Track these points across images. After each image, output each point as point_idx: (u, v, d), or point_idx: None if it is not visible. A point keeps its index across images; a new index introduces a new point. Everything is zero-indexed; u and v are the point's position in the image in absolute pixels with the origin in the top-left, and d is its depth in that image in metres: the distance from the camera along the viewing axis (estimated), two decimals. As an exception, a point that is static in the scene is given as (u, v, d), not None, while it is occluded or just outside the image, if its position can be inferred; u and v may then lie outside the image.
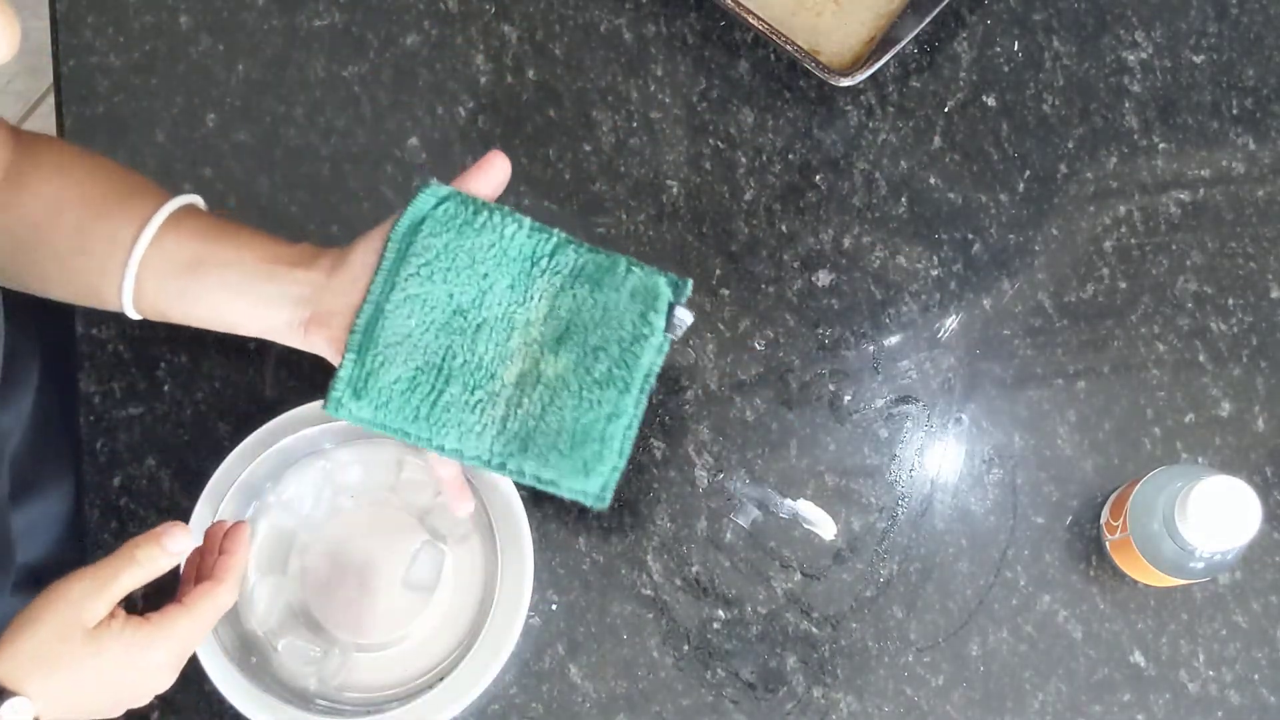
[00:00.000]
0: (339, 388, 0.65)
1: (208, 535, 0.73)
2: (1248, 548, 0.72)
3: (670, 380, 0.85)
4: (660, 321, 0.66)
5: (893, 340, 0.86)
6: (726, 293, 0.86)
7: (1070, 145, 0.88)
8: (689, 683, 0.81)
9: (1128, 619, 0.81)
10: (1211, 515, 0.70)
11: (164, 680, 0.67)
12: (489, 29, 0.91)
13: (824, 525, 0.83)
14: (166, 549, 0.64)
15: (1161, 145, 0.88)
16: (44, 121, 1.79)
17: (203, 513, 0.80)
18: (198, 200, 0.73)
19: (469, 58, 0.91)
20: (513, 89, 0.90)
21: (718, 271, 0.87)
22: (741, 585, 0.82)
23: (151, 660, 0.65)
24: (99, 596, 0.62)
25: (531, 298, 0.67)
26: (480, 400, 0.65)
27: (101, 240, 0.69)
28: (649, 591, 0.82)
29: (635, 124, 0.89)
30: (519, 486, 0.78)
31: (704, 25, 0.90)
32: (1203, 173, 0.87)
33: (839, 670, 0.81)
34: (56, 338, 0.85)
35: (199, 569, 0.71)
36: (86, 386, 0.86)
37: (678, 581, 0.82)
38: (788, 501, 0.83)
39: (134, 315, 0.71)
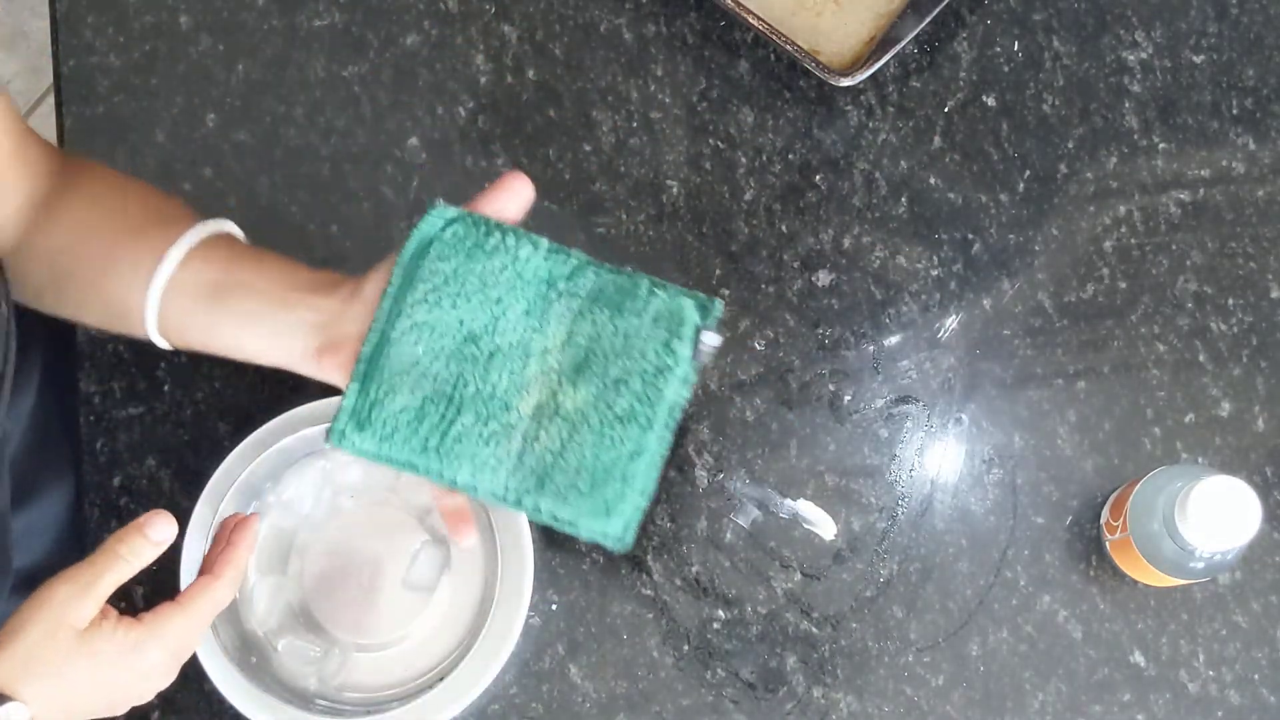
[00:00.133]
0: (341, 418, 0.62)
1: (222, 527, 0.72)
2: (1248, 548, 0.72)
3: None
4: (685, 351, 0.61)
5: (893, 340, 0.86)
6: (726, 293, 0.86)
7: (1070, 145, 0.88)
8: (689, 683, 0.81)
9: (1128, 619, 0.81)
10: (1211, 515, 0.70)
11: (162, 680, 0.66)
12: (489, 29, 0.91)
13: (824, 525, 0.83)
14: (150, 538, 0.63)
15: (1161, 145, 0.88)
16: (44, 121, 1.79)
17: (203, 513, 0.80)
18: (233, 228, 0.72)
19: (469, 58, 0.91)
20: (513, 89, 0.90)
21: (718, 271, 0.87)
22: (741, 585, 0.82)
23: (146, 660, 0.64)
24: (86, 596, 0.61)
25: (548, 323, 0.63)
26: (494, 432, 0.62)
27: (129, 263, 0.68)
28: (649, 591, 0.82)
29: (635, 124, 0.89)
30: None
31: (704, 25, 0.90)
32: (1203, 173, 0.87)
33: (839, 670, 0.81)
34: (58, 338, 0.85)
35: (204, 565, 0.70)
36: (86, 386, 0.86)
37: (678, 581, 0.82)
38: (788, 501, 0.83)
39: (161, 343, 0.69)
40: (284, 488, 0.82)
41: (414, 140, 0.89)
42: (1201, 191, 0.87)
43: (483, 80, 0.90)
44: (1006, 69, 0.89)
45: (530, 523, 0.79)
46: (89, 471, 0.85)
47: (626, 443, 0.61)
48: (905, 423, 0.84)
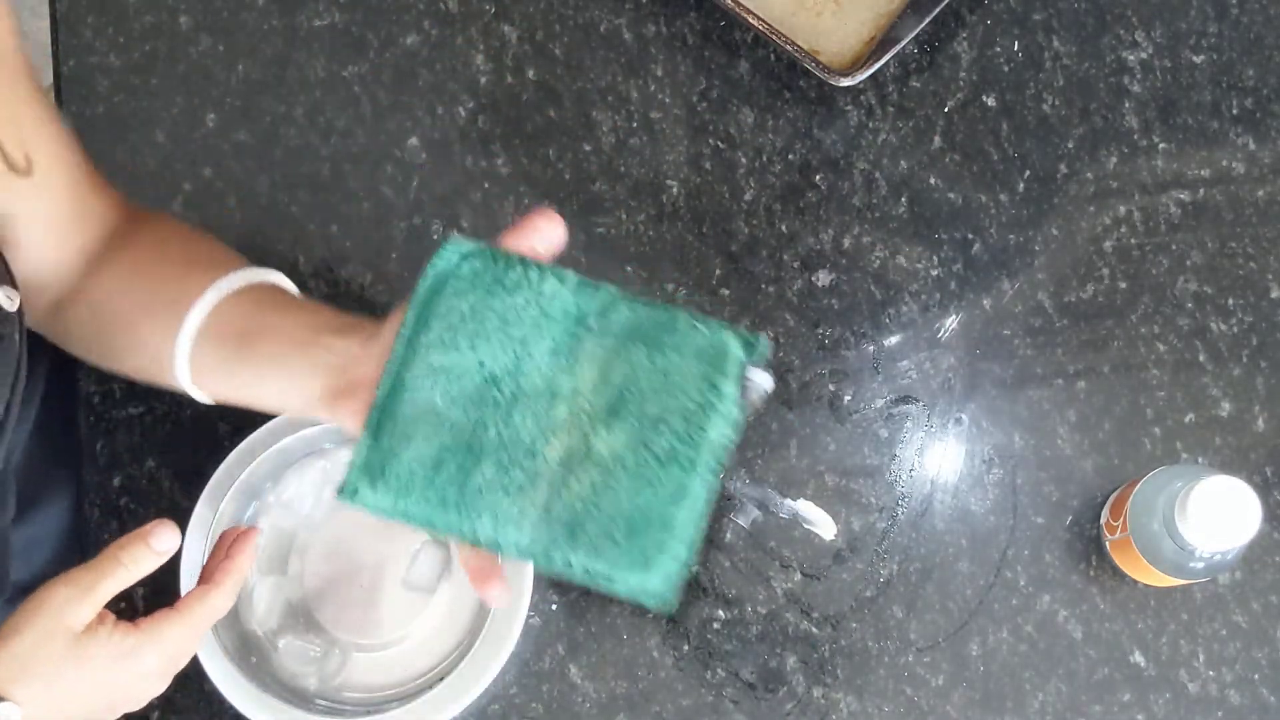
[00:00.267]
0: (353, 473, 0.58)
1: (222, 537, 0.71)
2: (1248, 548, 0.72)
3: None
4: (730, 387, 0.56)
5: (893, 340, 0.86)
6: (726, 293, 0.86)
7: (1070, 145, 0.88)
8: (689, 683, 0.81)
9: (1128, 619, 0.81)
10: (1211, 515, 0.70)
11: (156, 685, 0.66)
12: (489, 29, 0.91)
13: (824, 525, 0.83)
14: (153, 548, 0.63)
15: (1161, 145, 0.88)
16: (44, 121, 1.79)
17: (203, 513, 0.80)
18: (279, 277, 0.70)
19: (469, 58, 0.91)
20: (513, 89, 0.90)
21: (718, 271, 0.87)
22: (741, 585, 0.82)
23: (141, 666, 0.63)
24: (84, 601, 0.61)
25: (578, 363, 0.58)
26: (519, 482, 0.57)
27: (166, 310, 0.65)
28: (649, 591, 0.82)
29: (635, 124, 0.89)
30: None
31: (704, 25, 0.90)
32: (1203, 173, 0.87)
33: (839, 670, 0.81)
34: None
35: (203, 574, 0.69)
36: (86, 386, 0.86)
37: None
38: (788, 501, 0.83)
39: (196, 393, 0.67)
40: (284, 488, 0.82)
41: (414, 140, 0.89)
42: (1201, 191, 0.87)
43: (483, 80, 0.90)
44: (1006, 69, 0.89)
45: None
46: (89, 471, 0.85)
47: (667, 485, 0.56)
48: (905, 423, 0.84)
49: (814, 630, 0.81)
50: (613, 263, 0.87)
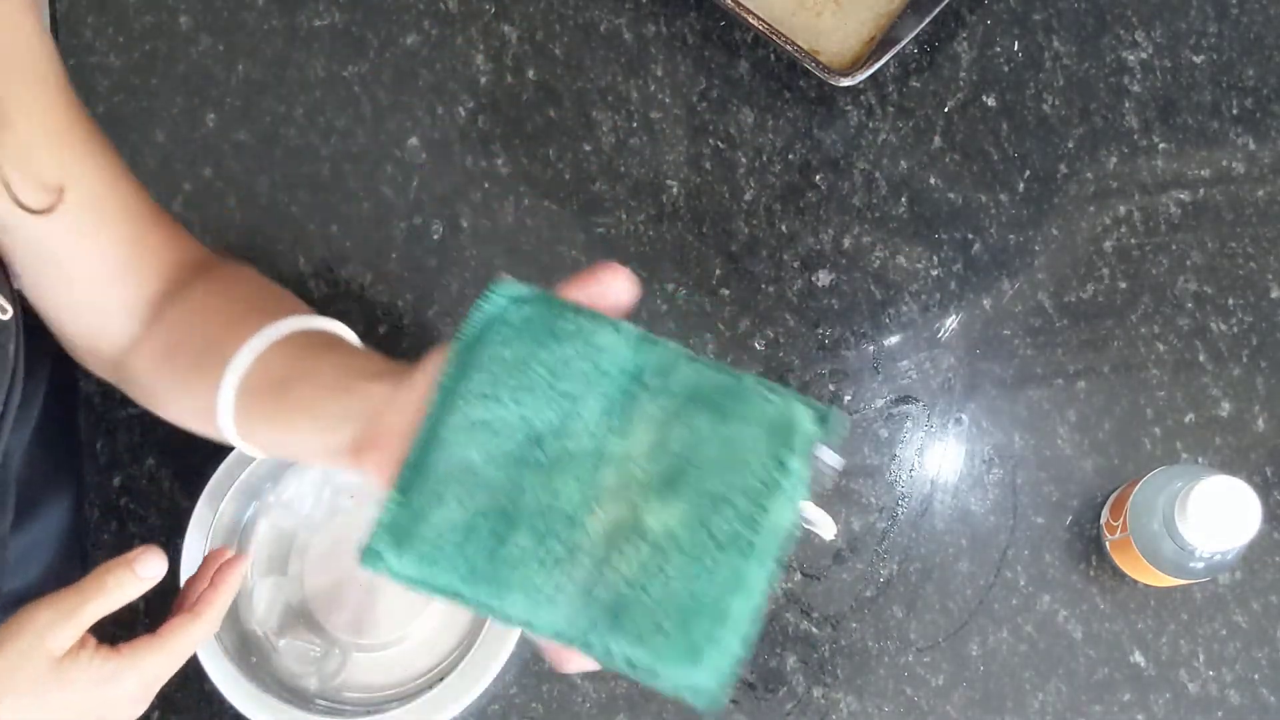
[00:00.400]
0: (378, 535, 0.52)
1: (206, 560, 0.70)
2: (1248, 548, 0.72)
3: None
4: (798, 466, 0.51)
5: (893, 340, 0.86)
6: (726, 293, 0.86)
7: (1070, 145, 0.88)
8: (689, 683, 0.80)
9: (1128, 619, 0.81)
10: (1211, 515, 0.70)
11: (133, 710, 0.65)
12: (489, 29, 0.91)
13: (824, 525, 0.82)
14: (139, 574, 0.61)
15: (1161, 145, 0.88)
16: (44, 121, 1.79)
17: (203, 513, 0.80)
18: (339, 327, 0.66)
19: (469, 58, 0.91)
20: (513, 89, 0.90)
21: (718, 271, 0.87)
22: (741, 585, 0.82)
23: (120, 691, 0.63)
24: (66, 625, 0.60)
25: (632, 425, 0.52)
26: (557, 556, 0.51)
27: (217, 355, 0.62)
28: (649, 591, 0.82)
29: (635, 124, 0.89)
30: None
31: (704, 25, 0.90)
32: (1203, 173, 0.87)
33: (839, 670, 0.81)
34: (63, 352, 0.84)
35: (185, 597, 0.68)
36: (86, 386, 0.86)
37: (678, 581, 0.82)
38: (788, 501, 0.83)
39: (244, 445, 0.63)
40: (284, 488, 0.82)
41: (414, 140, 0.89)
42: (1201, 191, 0.87)
43: (483, 80, 0.90)
44: (1006, 69, 0.89)
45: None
46: (89, 471, 0.84)
47: (724, 571, 0.50)
48: (905, 423, 0.84)
49: (814, 630, 0.81)
50: (613, 261, 0.87)
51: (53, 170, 0.61)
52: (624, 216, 0.88)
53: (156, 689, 0.65)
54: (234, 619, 0.80)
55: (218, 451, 0.81)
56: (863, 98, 0.89)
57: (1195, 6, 0.90)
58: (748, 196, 0.88)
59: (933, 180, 0.88)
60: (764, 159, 0.88)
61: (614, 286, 0.53)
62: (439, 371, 0.53)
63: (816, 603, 0.82)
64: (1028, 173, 0.88)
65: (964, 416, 0.84)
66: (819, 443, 0.51)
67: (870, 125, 0.89)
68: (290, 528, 0.82)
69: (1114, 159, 0.88)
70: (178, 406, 0.68)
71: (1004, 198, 0.87)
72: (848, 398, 0.85)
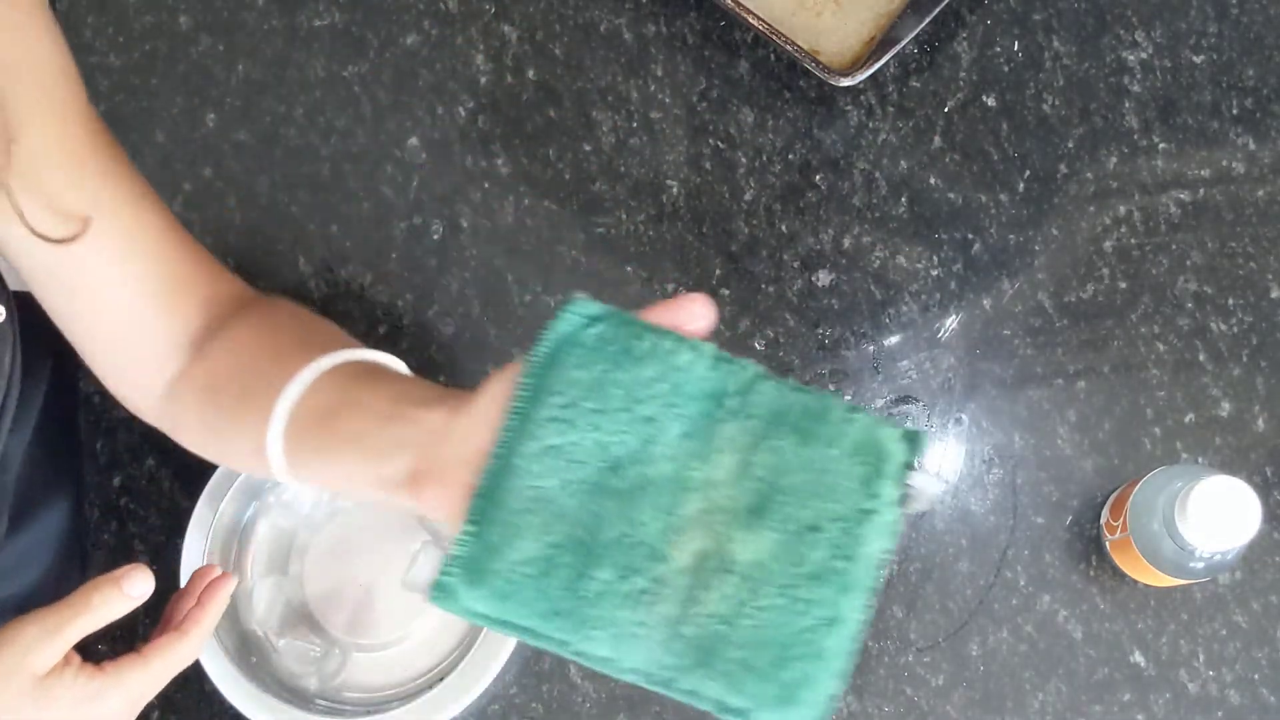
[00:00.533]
0: (452, 569, 0.50)
1: (194, 577, 0.69)
2: (1248, 548, 0.72)
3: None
4: (890, 491, 0.48)
5: (893, 340, 0.86)
6: (726, 293, 0.86)
7: (1070, 145, 0.88)
8: (689, 683, 0.80)
9: (1128, 619, 0.81)
10: (1211, 515, 0.70)
11: None
12: (489, 29, 0.91)
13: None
14: (126, 593, 0.61)
15: (1161, 145, 0.88)
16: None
17: (203, 513, 0.80)
18: (386, 358, 0.64)
19: (469, 58, 0.91)
20: (513, 89, 0.90)
21: (718, 271, 0.87)
22: (741, 585, 0.82)
23: (103, 710, 0.62)
24: (51, 643, 0.59)
25: (715, 450, 0.49)
26: (642, 591, 0.48)
27: (265, 390, 0.60)
28: (649, 591, 0.82)
29: (635, 124, 0.89)
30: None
31: (704, 25, 0.90)
32: (1203, 173, 0.87)
33: (839, 670, 0.81)
34: (67, 355, 0.83)
35: (171, 615, 0.68)
36: (86, 387, 0.86)
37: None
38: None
39: (290, 477, 0.61)
40: (284, 488, 0.82)
41: (414, 140, 0.89)
42: (1201, 191, 0.87)
43: (483, 80, 0.90)
44: (1006, 69, 0.89)
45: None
46: (89, 471, 0.84)
47: (820, 607, 0.48)
48: (905, 423, 0.84)
49: (814, 630, 0.81)
50: (613, 263, 0.87)
51: (74, 197, 0.60)
52: (624, 216, 0.88)
53: (141, 707, 0.65)
54: (234, 619, 0.80)
55: (218, 451, 0.81)
56: (863, 98, 0.89)
57: (1195, 6, 0.90)
58: (748, 196, 0.88)
59: (933, 180, 0.88)
60: (764, 159, 0.88)
61: (695, 313, 0.51)
62: (510, 395, 0.50)
63: (816, 603, 0.82)
64: (1028, 173, 0.88)
65: (964, 416, 0.84)
66: (908, 465, 0.49)
67: (870, 125, 0.89)
68: (290, 528, 0.82)
69: (1114, 159, 0.88)
70: (224, 443, 0.66)
71: (1004, 198, 0.87)
72: (848, 398, 0.85)
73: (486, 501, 0.50)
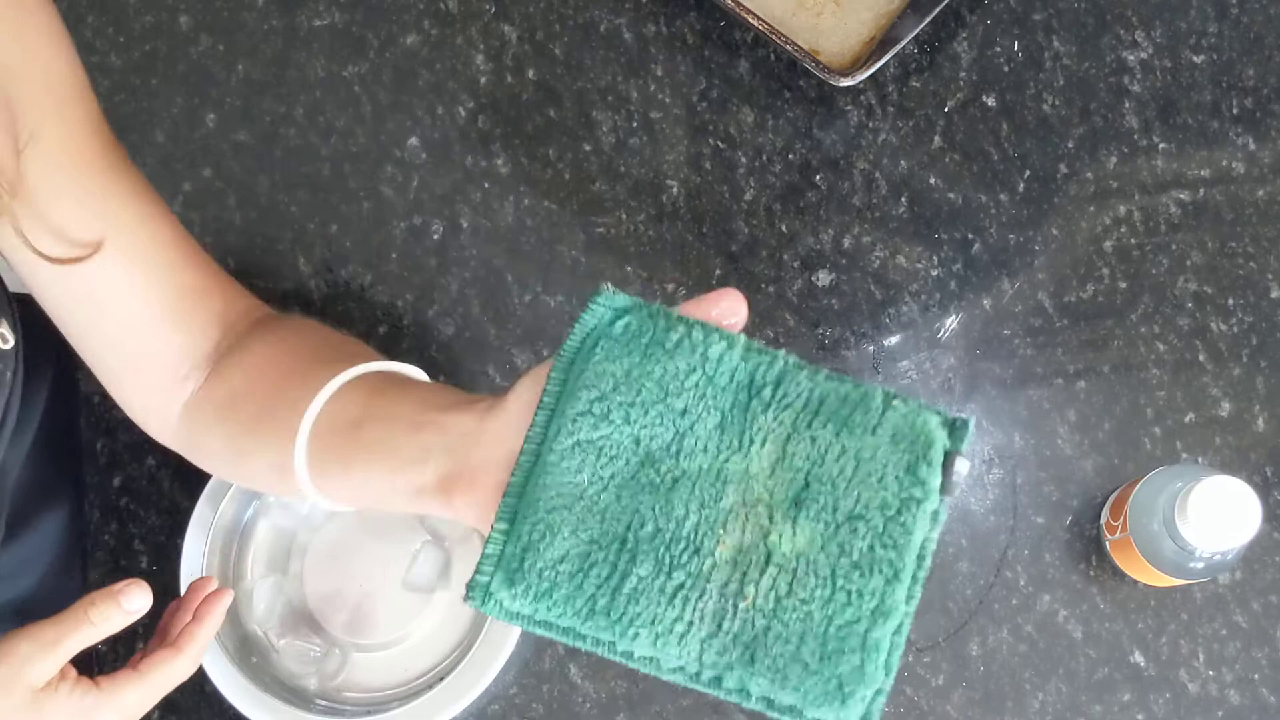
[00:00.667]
0: (486, 569, 0.48)
1: (191, 589, 0.69)
2: (1248, 548, 0.72)
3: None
4: (935, 479, 0.47)
5: (893, 340, 0.86)
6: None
7: (1070, 145, 0.88)
8: (689, 683, 0.80)
9: (1128, 619, 0.81)
10: (1211, 515, 0.70)
11: None
12: (489, 29, 0.91)
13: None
14: (123, 608, 0.61)
15: (1161, 145, 0.88)
16: (44, 121, 1.78)
17: (203, 513, 0.80)
18: (412, 370, 0.63)
19: (469, 58, 0.91)
20: (513, 89, 0.90)
21: (718, 271, 0.87)
22: (741, 585, 0.82)
23: None
24: (47, 656, 0.59)
25: (752, 441, 0.48)
26: (682, 586, 0.47)
27: (288, 406, 0.60)
28: (649, 591, 0.82)
29: (635, 124, 0.89)
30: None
31: (704, 25, 0.90)
32: (1203, 173, 0.87)
33: (839, 670, 0.81)
34: (68, 356, 0.83)
35: (167, 629, 0.67)
36: (86, 387, 0.86)
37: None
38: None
39: (319, 497, 0.60)
40: (284, 488, 0.82)
41: (414, 140, 0.89)
42: (1201, 191, 0.87)
43: (483, 80, 0.90)
44: (1006, 69, 0.89)
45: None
46: (89, 472, 0.84)
47: (868, 598, 0.47)
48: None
49: (814, 630, 0.81)
50: (613, 263, 0.87)
51: (87, 210, 0.60)
52: (624, 216, 0.88)
53: None
54: (234, 619, 0.80)
55: (218, 451, 0.81)
56: (863, 98, 0.89)
57: (1195, 6, 0.90)
58: (748, 196, 0.88)
59: (933, 180, 0.88)
60: (764, 159, 0.88)
61: (727, 308, 0.50)
62: (540, 391, 0.50)
63: (816, 603, 0.82)
64: (1028, 173, 0.88)
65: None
66: (952, 452, 0.48)
67: (870, 125, 0.89)
68: (290, 528, 0.82)
69: (1114, 159, 0.88)
70: (246, 461, 0.65)
71: (1004, 198, 0.87)
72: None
73: (519, 499, 0.49)
